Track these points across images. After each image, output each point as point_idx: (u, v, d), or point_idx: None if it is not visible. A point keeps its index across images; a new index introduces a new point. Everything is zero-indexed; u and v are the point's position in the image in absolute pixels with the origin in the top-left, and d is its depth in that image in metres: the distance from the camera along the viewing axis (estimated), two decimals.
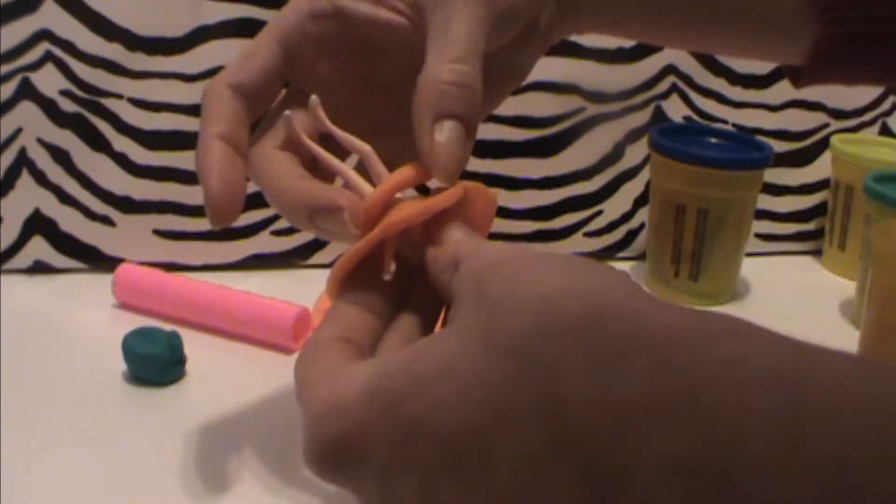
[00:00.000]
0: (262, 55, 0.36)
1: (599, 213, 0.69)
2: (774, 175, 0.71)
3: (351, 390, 0.27)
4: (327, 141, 0.36)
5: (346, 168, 0.35)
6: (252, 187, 0.62)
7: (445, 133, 0.32)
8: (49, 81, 0.58)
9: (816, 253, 0.73)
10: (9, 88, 0.58)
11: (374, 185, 0.34)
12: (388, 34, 0.36)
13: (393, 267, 0.32)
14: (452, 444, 0.25)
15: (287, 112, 0.35)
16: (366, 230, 0.32)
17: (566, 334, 0.24)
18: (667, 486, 0.22)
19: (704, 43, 0.45)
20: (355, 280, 0.32)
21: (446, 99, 0.32)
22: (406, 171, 0.33)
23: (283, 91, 0.39)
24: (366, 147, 0.34)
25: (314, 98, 0.35)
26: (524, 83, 0.65)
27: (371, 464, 0.26)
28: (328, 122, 0.35)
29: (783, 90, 0.70)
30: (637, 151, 0.68)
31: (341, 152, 0.36)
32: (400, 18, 0.36)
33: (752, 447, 0.21)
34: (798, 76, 0.44)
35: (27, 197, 0.59)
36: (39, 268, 0.60)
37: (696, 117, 0.69)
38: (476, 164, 0.65)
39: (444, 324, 0.34)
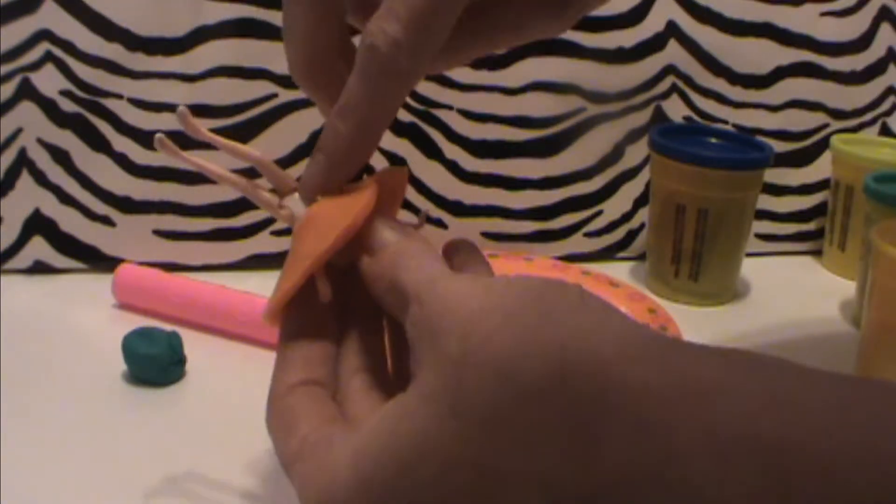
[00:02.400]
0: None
1: (599, 213, 0.69)
2: (774, 175, 0.71)
3: (341, 483, 0.27)
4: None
5: (241, 181, 0.35)
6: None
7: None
8: (49, 81, 0.58)
9: (816, 253, 0.73)
10: (9, 88, 0.58)
11: (274, 191, 0.35)
12: None
13: (329, 291, 0.32)
14: None
15: (181, 107, 0.34)
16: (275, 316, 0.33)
17: (531, 401, 0.23)
18: None
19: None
20: (294, 308, 0.32)
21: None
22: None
23: None
24: (255, 154, 0.35)
25: (181, 108, 0.34)
26: (525, 82, 0.65)
27: None
28: (205, 131, 0.35)
29: (783, 90, 0.70)
30: (637, 151, 0.68)
31: None
32: None
33: None
34: None
35: (27, 197, 0.59)
36: (39, 268, 0.60)
37: (696, 117, 0.69)
38: (476, 164, 0.65)
39: (391, 333, 0.33)
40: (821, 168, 0.73)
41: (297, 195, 0.35)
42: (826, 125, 0.72)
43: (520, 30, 0.37)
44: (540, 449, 0.23)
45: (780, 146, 0.71)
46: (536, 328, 0.24)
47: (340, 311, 0.33)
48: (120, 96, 0.59)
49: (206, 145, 0.35)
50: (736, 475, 0.21)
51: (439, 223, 0.66)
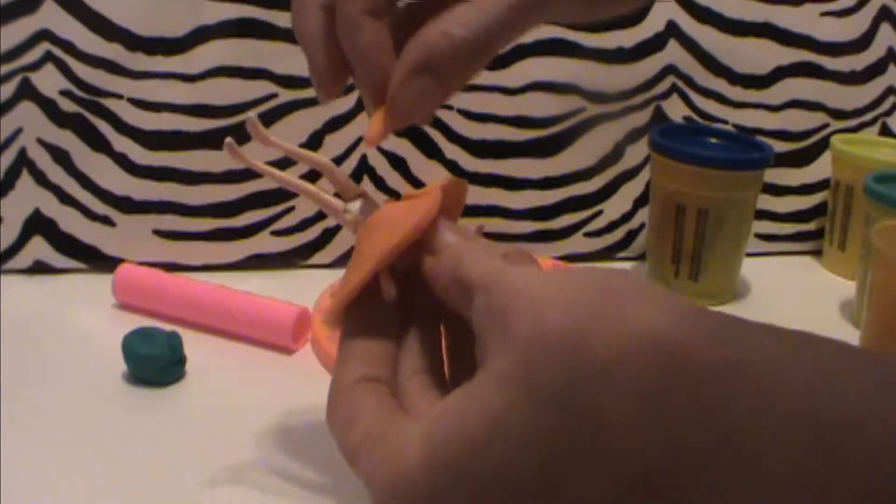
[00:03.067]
0: None
1: (599, 213, 0.69)
2: (774, 175, 0.71)
3: (410, 464, 0.27)
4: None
5: (309, 185, 0.36)
6: (249, 188, 0.63)
7: (414, 82, 0.33)
8: (49, 81, 0.58)
9: (816, 253, 0.73)
10: (9, 88, 0.58)
11: (338, 195, 0.35)
12: None
13: (393, 290, 0.32)
14: (520, 495, 0.25)
15: (251, 114, 0.36)
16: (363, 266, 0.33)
17: (599, 378, 0.24)
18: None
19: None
20: (356, 307, 0.33)
21: (430, 52, 0.33)
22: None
23: None
24: (322, 160, 0.35)
25: (252, 115, 0.35)
26: (525, 82, 0.65)
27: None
28: (272, 138, 0.36)
29: (783, 90, 0.70)
30: (637, 151, 0.68)
31: None
32: None
33: (787, 485, 0.22)
34: None
35: (27, 197, 0.59)
36: (39, 268, 0.60)
37: (696, 117, 0.69)
38: (476, 164, 0.65)
39: (448, 339, 0.34)
40: (821, 168, 0.73)
41: (360, 201, 0.36)
42: (826, 125, 0.72)
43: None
44: (608, 425, 0.24)
45: (780, 146, 0.71)
46: (605, 309, 0.25)
47: (400, 314, 0.33)
48: (120, 96, 0.59)
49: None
50: (791, 452, 0.22)
51: None
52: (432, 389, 0.31)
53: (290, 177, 0.36)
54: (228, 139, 0.35)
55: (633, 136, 0.68)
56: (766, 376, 0.23)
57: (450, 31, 0.32)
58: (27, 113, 0.58)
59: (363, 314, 0.33)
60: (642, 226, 0.70)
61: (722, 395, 0.23)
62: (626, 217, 0.70)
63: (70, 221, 0.60)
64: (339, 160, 0.63)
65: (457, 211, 0.36)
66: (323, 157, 0.36)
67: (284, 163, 0.63)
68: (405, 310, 0.33)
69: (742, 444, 0.23)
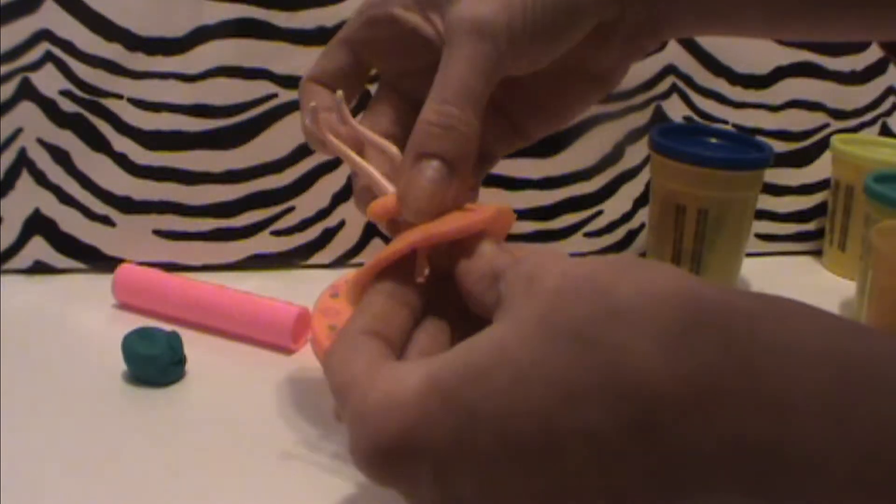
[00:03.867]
0: (332, 55, 0.39)
1: (599, 213, 0.69)
2: (774, 175, 0.71)
3: (406, 387, 0.26)
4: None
5: (369, 167, 0.35)
6: (249, 188, 0.63)
7: (423, 171, 0.33)
8: (49, 81, 0.58)
9: (816, 253, 0.73)
10: (9, 88, 0.58)
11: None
12: (429, 49, 0.37)
13: (427, 271, 0.32)
14: (515, 431, 0.25)
15: (312, 104, 0.37)
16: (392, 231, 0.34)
17: (627, 317, 0.24)
18: (728, 462, 0.23)
19: (826, 32, 0.43)
20: (387, 275, 0.33)
21: (429, 139, 0.33)
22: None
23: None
24: (393, 149, 0.35)
25: (339, 93, 0.36)
26: None
27: (427, 460, 0.26)
28: (353, 121, 0.36)
29: (783, 90, 0.70)
30: (637, 151, 0.68)
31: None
32: (438, 39, 0.37)
33: (804, 425, 0.23)
34: (892, 49, 0.44)
35: (27, 197, 0.59)
36: (39, 268, 0.60)
37: (696, 117, 0.69)
38: None
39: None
40: (821, 168, 0.73)
41: None
42: (826, 125, 0.72)
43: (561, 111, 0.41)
44: (626, 359, 0.24)
45: (780, 146, 0.71)
46: (633, 269, 0.26)
47: (424, 304, 0.33)
48: (120, 96, 0.59)
49: None
50: (817, 386, 0.23)
51: None
52: None
53: (361, 160, 0.36)
54: (313, 104, 0.36)
55: (633, 136, 0.68)
56: (791, 319, 0.24)
57: (431, 114, 0.33)
58: (27, 113, 0.58)
59: (389, 285, 0.33)
60: (642, 226, 0.70)
61: (746, 332, 0.24)
62: (626, 217, 0.70)
63: (70, 221, 0.60)
64: (339, 160, 0.63)
65: (500, 238, 0.36)
66: (393, 146, 0.36)
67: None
68: (429, 303, 0.33)
69: (766, 380, 0.23)
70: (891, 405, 0.22)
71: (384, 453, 0.26)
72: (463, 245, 0.32)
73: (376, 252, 0.66)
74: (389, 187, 0.34)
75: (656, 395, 0.24)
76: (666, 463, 0.24)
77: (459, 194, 0.34)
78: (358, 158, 0.36)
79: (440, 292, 0.33)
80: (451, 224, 0.32)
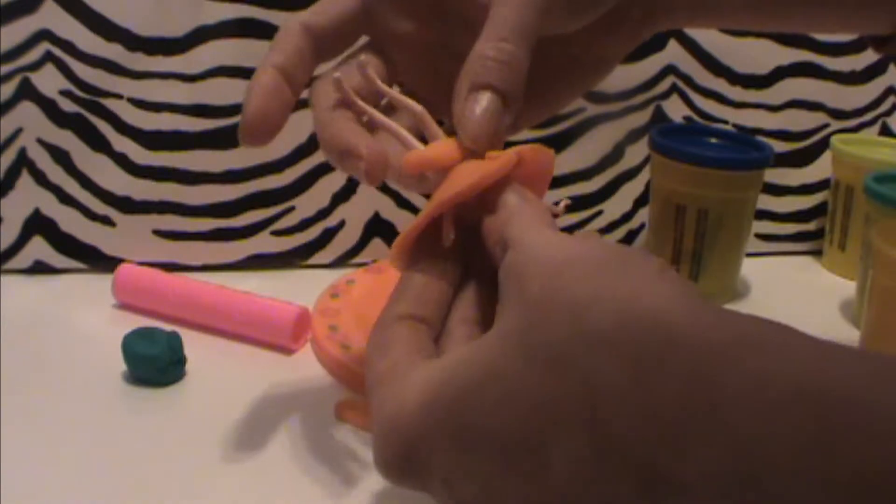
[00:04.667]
0: (342, 2, 0.38)
1: (599, 213, 0.69)
2: (774, 175, 0.71)
3: (410, 401, 0.28)
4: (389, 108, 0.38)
5: (397, 126, 0.35)
6: (249, 188, 0.63)
7: (480, 102, 0.33)
8: (49, 81, 0.58)
9: (816, 253, 0.73)
10: (9, 88, 0.58)
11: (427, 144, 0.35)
12: (467, 4, 0.37)
13: (452, 235, 0.33)
14: (506, 447, 0.26)
15: (336, 74, 0.36)
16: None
17: (597, 344, 0.24)
18: (709, 489, 0.23)
19: (806, 24, 0.46)
20: (421, 248, 0.33)
21: (486, 71, 0.33)
22: (451, 145, 0.34)
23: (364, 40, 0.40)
24: (417, 107, 0.35)
25: (363, 58, 0.36)
26: None
27: (434, 470, 0.28)
28: (378, 82, 0.36)
29: (783, 90, 0.70)
30: (637, 151, 0.68)
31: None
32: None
33: (779, 462, 0.22)
34: (882, 43, 0.45)
35: (27, 197, 0.59)
36: (39, 268, 0.60)
37: (696, 117, 0.69)
38: None
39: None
40: (821, 168, 0.73)
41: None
42: (826, 125, 0.72)
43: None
44: (598, 391, 0.24)
45: (780, 146, 0.71)
46: (614, 281, 0.25)
47: (463, 266, 0.34)
48: (120, 96, 0.59)
49: None
50: (785, 427, 0.22)
51: None
52: (473, 340, 0.32)
53: (384, 117, 0.36)
54: (337, 74, 0.36)
55: (633, 136, 0.68)
56: (761, 352, 0.23)
57: (488, 49, 0.33)
58: (27, 113, 0.58)
59: (424, 257, 0.33)
60: (642, 226, 0.70)
61: (716, 368, 0.23)
62: (626, 217, 0.70)
63: (70, 221, 0.60)
64: None
65: (539, 179, 0.35)
66: (417, 104, 0.36)
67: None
68: (468, 264, 0.34)
69: (736, 417, 0.23)
70: (871, 447, 0.21)
71: (394, 465, 0.29)
72: (486, 200, 0.32)
73: (376, 252, 0.66)
74: (419, 144, 0.35)
75: (627, 427, 0.24)
76: (648, 486, 0.24)
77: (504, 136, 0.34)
78: (385, 119, 0.36)
79: (479, 250, 0.33)
80: (470, 178, 0.32)
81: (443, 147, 0.34)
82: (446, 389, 0.27)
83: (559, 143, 0.66)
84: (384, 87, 0.37)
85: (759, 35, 0.69)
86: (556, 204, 0.37)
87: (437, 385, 0.28)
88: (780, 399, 0.22)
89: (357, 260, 0.65)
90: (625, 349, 0.24)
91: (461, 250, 0.33)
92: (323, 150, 0.37)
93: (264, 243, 0.63)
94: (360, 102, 0.36)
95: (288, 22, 0.37)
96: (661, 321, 0.24)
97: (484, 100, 0.33)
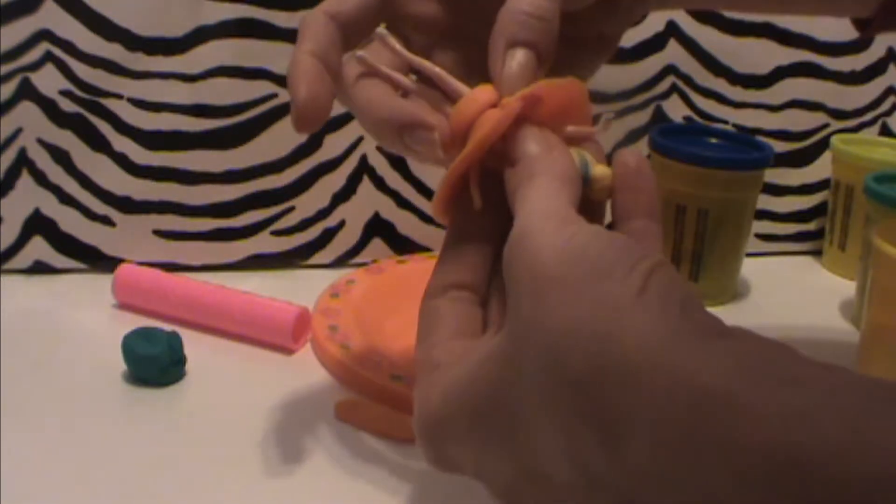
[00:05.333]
0: None
1: None
2: (774, 175, 0.71)
3: (429, 414, 0.30)
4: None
5: (443, 72, 0.35)
6: (249, 188, 0.63)
7: (516, 58, 0.33)
8: (49, 81, 0.58)
9: (816, 253, 0.73)
10: (9, 88, 0.58)
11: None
12: None
13: (479, 200, 0.33)
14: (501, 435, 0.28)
15: (359, 52, 0.36)
16: (453, 148, 0.33)
17: (566, 392, 0.25)
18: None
19: (782, 7, 0.47)
20: (457, 214, 0.34)
21: (522, 28, 0.33)
22: (490, 90, 0.33)
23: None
24: (435, 69, 0.35)
25: (381, 30, 0.36)
26: None
27: (456, 445, 0.30)
28: (399, 47, 0.36)
29: (783, 90, 0.70)
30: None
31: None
32: None
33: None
34: (864, 26, 0.46)
35: (27, 197, 0.59)
36: (39, 268, 0.60)
37: (696, 117, 0.69)
38: None
39: None
40: (821, 168, 0.73)
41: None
42: (826, 125, 0.72)
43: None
44: (569, 432, 0.26)
45: (780, 146, 0.71)
46: (593, 312, 0.25)
47: (507, 214, 0.33)
48: (120, 96, 0.59)
49: None
50: (752, 489, 0.22)
51: (440, 223, 0.66)
52: None
53: (430, 63, 0.35)
54: (360, 52, 0.35)
55: (633, 136, 0.68)
56: (726, 413, 0.23)
57: (524, 5, 0.33)
58: (27, 113, 0.58)
59: (461, 221, 0.34)
60: None
61: (683, 428, 0.23)
62: None
63: (70, 221, 0.60)
64: (338, 160, 0.63)
65: (571, 113, 0.34)
66: (441, 70, 0.35)
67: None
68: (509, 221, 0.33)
69: (705, 479, 0.23)
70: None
71: (424, 445, 0.31)
72: (507, 150, 0.32)
73: (376, 252, 0.66)
74: (464, 87, 0.34)
75: (601, 479, 0.26)
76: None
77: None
78: (427, 63, 0.35)
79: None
80: (480, 132, 0.32)
81: (475, 94, 0.33)
82: (454, 409, 0.29)
83: None
84: (406, 53, 0.36)
85: (759, 35, 0.69)
86: (597, 121, 0.36)
87: (450, 401, 0.30)
88: (746, 462, 0.22)
89: (357, 260, 0.65)
90: (588, 402, 0.25)
91: (499, 201, 0.32)
92: (375, 128, 0.35)
93: (264, 243, 0.63)
94: (390, 71, 0.35)
95: (310, 13, 0.37)
96: (632, 369, 0.24)
97: (521, 55, 0.33)
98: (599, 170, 0.33)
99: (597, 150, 0.35)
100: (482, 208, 0.33)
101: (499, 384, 0.28)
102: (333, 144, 0.63)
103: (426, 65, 0.35)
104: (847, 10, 0.47)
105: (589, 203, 0.33)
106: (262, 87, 0.61)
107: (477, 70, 0.36)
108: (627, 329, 0.25)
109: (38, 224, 0.60)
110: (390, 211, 0.65)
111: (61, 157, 0.59)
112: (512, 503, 0.30)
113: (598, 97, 0.66)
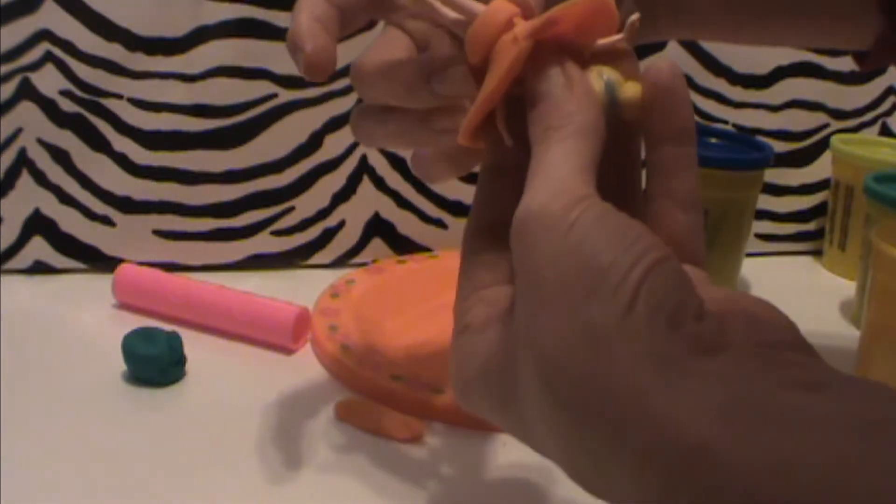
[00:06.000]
0: None
1: None
2: (774, 175, 0.71)
3: (470, 368, 0.29)
4: None
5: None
6: (249, 188, 0.63)
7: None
8: (49, 81, 0.58)
9: (816, 253, 0.73)
10: (9, 88, 0.58)
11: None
12: None
13: (508, 137, 0.30)
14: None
15: None
16: (481, 56, 0.30)
17: (560, 413, 0.25)
18: None
19: (781, 38, 0.47)
20: (490, 140, 0.31)
21: None
22: (506, 4, 0.30)
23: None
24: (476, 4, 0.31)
25: None
26: None
27: (489, 397, 0.29)
28: None
29: (783, 90, 0.70)
30: None
31: None
32: None
33: None
34: (862, 59, 0.46)
35: (27, 197, 0.59)
36: (39, 268, 0.60)
37: (695, 117, 0.69)
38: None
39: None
40: (821, 168, 0.73)
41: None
42: (826, 125, 0.72)
43: None
44: (565, 448, 0.26)
45: (780, 146, 0.71)
46: (580, 346, 0.25)
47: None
48: (120, 96, 0.59)
49: None
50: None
51: (439, 223, 0.66)
52: None
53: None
54: None
55: None
56: (708, 462, 0.23)
57: None
58: (27, 113, 0.58)
59: (493, 154, 0.31)
60: None
61: (666, 477, 0.23)
62: None
63: (70, 221, 0.60)
64: (339, 160, 0.63)
65: (597, 29, 0.30)
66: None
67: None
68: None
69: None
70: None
71: (457, 398, 0.31)
72: (534, 70, 0.29)
73: (376, 252, 0.66)
74: (479, 5, 0.30)
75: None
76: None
77: None
78: None
79: None
80: (483, 94, 0.29)
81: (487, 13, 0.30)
82: (475, 383, 0.29)
83: None
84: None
85: None
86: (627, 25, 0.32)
87: (472, 372, 0.29)
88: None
89: (357, 260, 0.65)
90: (583, 420, 0.25)
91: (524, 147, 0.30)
92: (403, 87, 0.35)
93: (264, 243, 0.63)
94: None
95: None
96: (628, 392, 0.24)
97: None
98: (629, 89, 0.30)
99: (629, 64, 0.31)
100: (513, 141, 0.30)
101: (505, 374, 0.28)
102: (333, 144, 0.63)
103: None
104: (845, 43, 0.47)
105: (623, 127, 0.30)
106: (262, 87, 0.61)
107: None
108: (613, 364, 0.24)
109: (38, 224, 0.60)
110: (390, 211, 0.65)
111: (61, 157, 0.59)
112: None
113: None
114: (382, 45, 0.36)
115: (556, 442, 0.26)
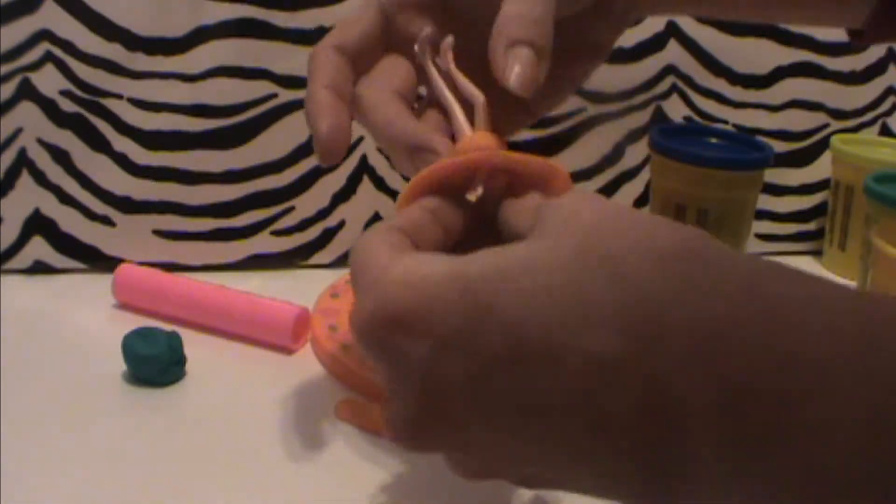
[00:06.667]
0: (364, 20, 0.39)
1: None
2: (774, 175, 0.71)
3: (431, 269, 0.27)
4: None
5: (456, 105, 0.37)
6: (249, 188, 0.63)
7: (519, 56, 0.34)
8: (49, 81, 0.58)
9: (817, 253, 0.73)
10: (9, 88, 0.58)
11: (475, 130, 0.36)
12: (484, 6, 0.38)
13: (480, 190, 0.34)
14: (523, 335, 0.26)
15: (427, 30, 0.38)
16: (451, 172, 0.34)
17: (663, 258, 0.26)
18: (718, 412, 0.24)
19: (776, 15, 0.49)
20: (434, 195, 0.34)
21: (520, 27, 0.35)
22: (489, 140, 0.36)
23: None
24: (480, 97, 0.37)
25: (449, 39, 0.38)
26: None
27: (429, 339, 0.26)
28: (453, 65, 0.38)
29: (783, 90, 0.70)
30: (637, 151, 0.68)
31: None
32: None
33: (822, 383, 0.23)
34: (858, 36, 0.47)
35: (27, 197, 0.59)
36: (39, 268, 0.60)
37: (696, 117, 0.69)
38: None
39: None
40: (821, 168, 0.73)
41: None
42: (826, 125, 0.72)
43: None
44: (655, 295, 0.26)
45: (780, 146, 0.71)
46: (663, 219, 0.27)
47: (462, 234, 0.34)
48: (120, 96, 0.59)
49: None
50: (830, 340, 0.24)
51: None
52: None
53: (448, 93, 0.37)
54: (427, 30, 0.38)
55: (633, 136, 0.68)
56: (816, 281, 0.26)
57: (520, 8, 0.35)
58: (27, 113, 0.58)
59: (434, 201, 0.34)
60: None
61: (775, 290, 0.26)
62: None
63: (70, 221, 0.60)
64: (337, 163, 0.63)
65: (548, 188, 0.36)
66: (479, 92, 0.37)
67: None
68: (462, 244, 0.34)
69: (780, 334, 0.25)
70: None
71: (391, 319, 0.27)
72: (519, 183, 0.34)
73: None
74: (467, 129, 0.36)
75: (663, 343, 0.25)
76: (657, 406, 0.25)
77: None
78: (449, 94, 0.37)
79: (475, 234, 0.34)
80: (519, 156, 0.34)
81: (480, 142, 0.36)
82: (477, 268, 0.27)
83: (559, 143, 0.66)
84: (457, 71, 0.38)
85: (759, 35, 0.69)
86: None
87: (465, 263, 0.27)
88: (826, 317, 0.24)
89: None
90: (686, 265, 0.26)
91: (466, 219, 0.34)
92: (390, 148, 0.37)
93: (264, 243, 0.63)
94: (434, 70, 0.38)
95: (317, 48, 0.39)
96: (720, 249, 0.26)
97: (522, 53, 0.34)
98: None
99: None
100: (450, 212, 0.34)
101: (543, 263, 0.28)
102: None
103: (470, 87, 0.37)
104: (837, 21, 0.48)
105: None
106: (262, 87, 0.61)
107: (473, 82, 0.37)
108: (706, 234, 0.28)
109: (38, 224, 0.60)
110: (390, 211, 0.65)
111: (61, 157, 0.59)
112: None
113: (599, 97, 0.66)
114: (384, 72, 0.39)
115: (527, 449, 0.27)
